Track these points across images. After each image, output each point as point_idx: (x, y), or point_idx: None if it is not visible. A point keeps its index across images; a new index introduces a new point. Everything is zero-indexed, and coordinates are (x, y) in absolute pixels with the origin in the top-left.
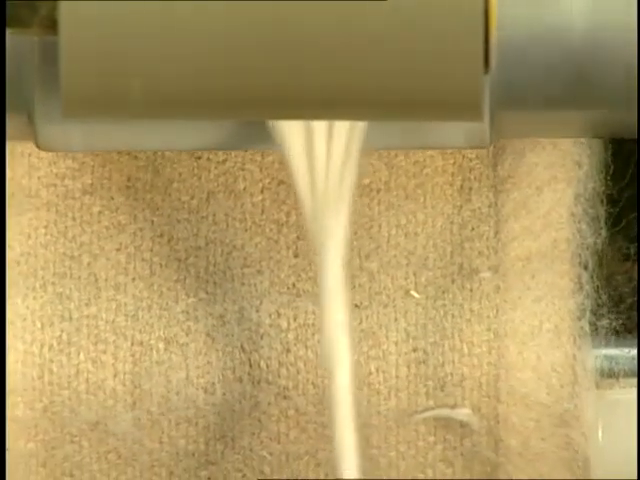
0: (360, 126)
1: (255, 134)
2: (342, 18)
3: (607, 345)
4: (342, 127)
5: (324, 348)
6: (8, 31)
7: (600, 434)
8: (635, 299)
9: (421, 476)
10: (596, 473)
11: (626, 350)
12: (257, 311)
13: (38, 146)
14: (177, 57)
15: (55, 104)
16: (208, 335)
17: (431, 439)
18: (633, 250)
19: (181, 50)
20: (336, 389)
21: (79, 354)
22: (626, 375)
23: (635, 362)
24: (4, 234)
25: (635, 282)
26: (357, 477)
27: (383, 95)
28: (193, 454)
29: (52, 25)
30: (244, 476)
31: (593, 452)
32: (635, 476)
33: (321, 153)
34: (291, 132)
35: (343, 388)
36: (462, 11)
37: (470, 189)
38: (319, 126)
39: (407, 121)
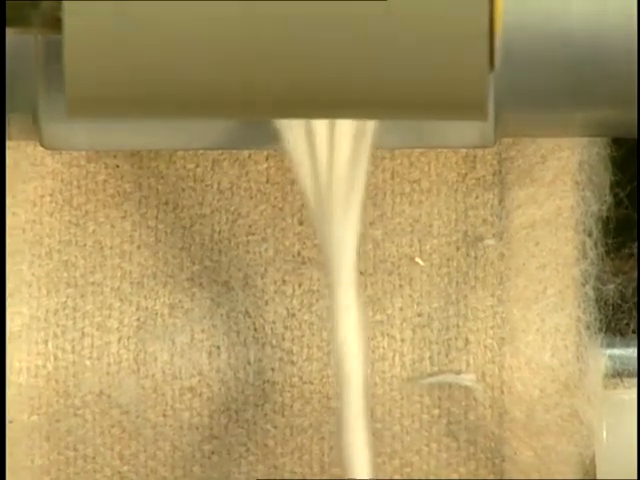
0: (369, 127)
1: (259, 134)
2: (347, 17)
3: (611, 345)
4: (348, 128)
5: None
6: (10, 30)
7: (604, 434)
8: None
9: (425, 450)
10: (601, 473)
11: (630, 350)
12: (262, 278)
13: (43, 145)
14: (181, 56)
15: (59, 103)
16: (213, 301)
17: (435, 412)
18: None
19: (185, 49)
20: (348, 393)
21: (84, 319)
22: (630, 375)
23: None
24: (4, 233)
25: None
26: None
27: (388, 94)
28: (197, 428)
29: (55, 24)
30: (248, 450)
31: (598, 452)
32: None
33: (325, 154)
34: (295, 132)
35: (356, 393)
36: (467, 11)
37: (474, 157)
38: (323, 126)
39: (411, 120)
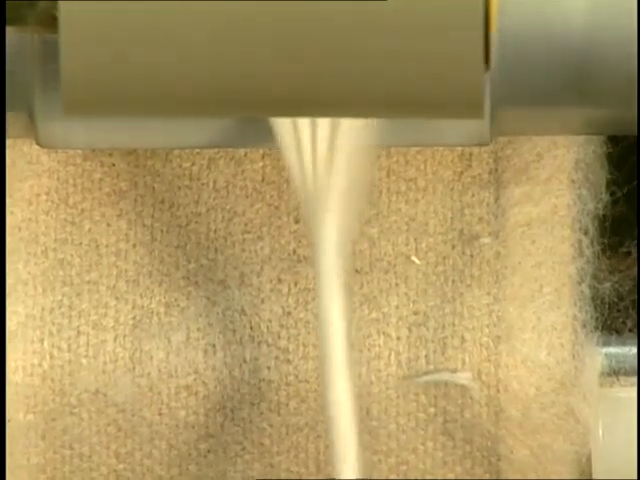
0: (368, 125)
1: (255, 133)
2: (343, 16)
3: (608, 343)
4: (346, 126)
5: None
6: (7, 29)
7: (601, 432)
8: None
9: (421, 448)
10: (597, 472)
11: (626, 348)
12: (258, 277)
13: (39, 144)
14: (177, 54)
15: (56, 102)
16: (208, 299)
17: (431, 410)
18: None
19: (181, 48)
20: (333, 388)
21: (80, 317)
22: (626, 373)
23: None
24: (4, 233)
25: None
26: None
27: (383, 93)
28: (193, 426)
29: (52, 23)
30: (244, 449)
31: (594, 450)
32: (636, 475)
33: (322, 152)
34: (287, 129)
35: (341, 388)
36: (462, 9)
37: (470, 155)
38: (318, 124)
39: (407, 119)
